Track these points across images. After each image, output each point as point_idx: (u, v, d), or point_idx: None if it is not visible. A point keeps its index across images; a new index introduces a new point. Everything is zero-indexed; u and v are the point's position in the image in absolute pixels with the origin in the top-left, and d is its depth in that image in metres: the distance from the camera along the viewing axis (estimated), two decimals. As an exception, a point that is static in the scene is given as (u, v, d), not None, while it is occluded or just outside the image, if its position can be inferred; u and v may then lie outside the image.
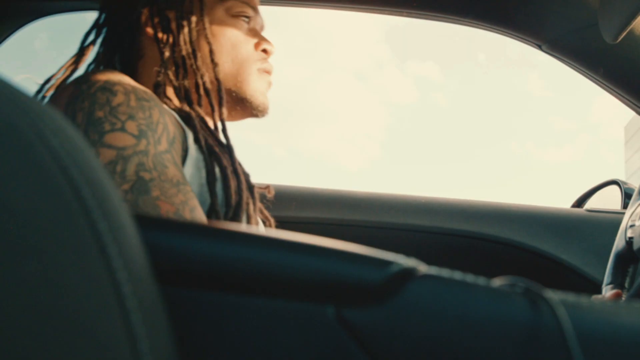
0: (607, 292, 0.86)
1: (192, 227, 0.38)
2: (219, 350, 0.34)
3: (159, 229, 0.37)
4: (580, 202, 1.52)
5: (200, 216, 0.61)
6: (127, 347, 0.27)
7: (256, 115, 0.83)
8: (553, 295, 0.36)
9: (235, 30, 0.80)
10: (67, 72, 0.77)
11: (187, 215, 0.59)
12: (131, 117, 0.61)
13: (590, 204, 1.49)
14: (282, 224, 1.25)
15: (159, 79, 0.73)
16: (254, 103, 0.81)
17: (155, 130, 0.62)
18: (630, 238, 0.84)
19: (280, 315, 0.34)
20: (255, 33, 0.83)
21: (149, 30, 0.76)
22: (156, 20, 0.76)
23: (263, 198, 0.94)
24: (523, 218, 1.28)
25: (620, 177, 1.43)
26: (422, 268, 0.37)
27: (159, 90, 0.73)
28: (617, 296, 0.82)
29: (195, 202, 0.62)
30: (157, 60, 0.75)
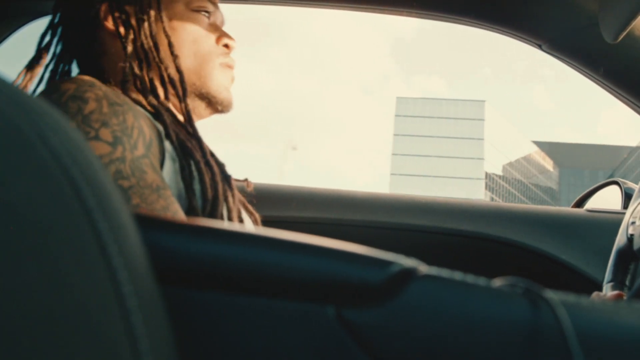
0: (608, 289, 0.86)
1: (192, 227, 0.38)
2: (219, 350, 0.34)
3: (159, 229, 0.37)
4: (580, 202, 1.52)
5: (182, 220, 0.61)
6: (127, 347, 0.27)
7: (221, 111, 0.83)
8: (553, 295, 0.36)
9: (195, 24, 0.80)
10: (27, 78, 0.76)
11: (169, 217, 0.58)
12: (104, 124, 0.60)
13: (591, 204, 1.49)
14: (282, 224, 1.24)
15: (125, 73, 0.73)
16: (218, 98, 0.80)
17: (130, 135, 0.62)
18: (632, 235, 0.84)
19: (280, 315, 0.34)
20: (216, 28, 0.83)
21: (109, 25, 0.76)
22: (116, 15, 0.75)
23: (251, 196, 0.94)
24: (523, 218, 1.28)
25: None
26: (422, 268, 0.37)
27: (127, 85, 0.72)
28: (619, 297, 0.82)
29: (176, 206, 0.62)
30: (120, 56, 0.74)
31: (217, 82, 0.80)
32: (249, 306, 0.35)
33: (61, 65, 0.79)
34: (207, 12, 0.81)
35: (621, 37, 0.88)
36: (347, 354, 0.34)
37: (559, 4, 1.00)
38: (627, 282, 0.85)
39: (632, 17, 0.82)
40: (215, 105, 0.81)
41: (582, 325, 0.35)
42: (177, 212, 0.61)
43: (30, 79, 0.77)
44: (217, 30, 0.82)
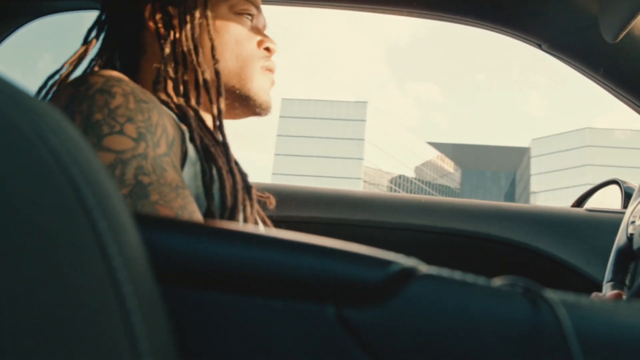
0: (608, 289, 0.86)
1: (192, 227, 0.38)
2: (218, 350, 0.34)
3: (159, 229, 0.37)
4: (580, 202, 1.52)
5: (199, 220, 0.61)
6: (127, 347, 0.27)
7: (259, 114, 0.83)
8: (553, 295, 0.36)
9: (238, 27, 0.80)
10: (71, 68, 0.77)
11: (186, 217, 0.59)
12: (130, 119, 0.61)
13: (590, 203, 1.49)
14: (282, 224, 1.25)
15: (158, 74, 0.73)
16: (258, 101, 0.81)
17: (154, 132, 0.62)
18: (631, 235, 0.84)
19: (280, 315, 0.34)
20: (258, 31, 0.83)
21: (152, 25, 0.76)
22: (159, 16, 0.76)
23: (263, 205, 0.94)
24: (523, 218, 1.28)
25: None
26: (422, 268, 0.37)
27: (158, 86, 0.72)
28: (618, 296, 0.82)
29: (194, 207, 0.62)
30: (159, 57, 0.75)
31: (258, 85, 0.80)
32: (249, 306, 0.35)
33: (104, 62, 0.79)
34: (250, 15, 0.82)
35: (621, 37, 0.88)
36: (346, 354, 0.34)
37: (559, 4, 1.00)
38: (626, 282, 0.85)
39: (632, 17, 0.82)
40: (254, 107, 0.81)
41: (582, 325, 0.35)
42: (195, 212, 0.61)
43: (73, 72, 0.77)
44: (259, 34, 0.83)
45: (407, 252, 0.40)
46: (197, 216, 0.61)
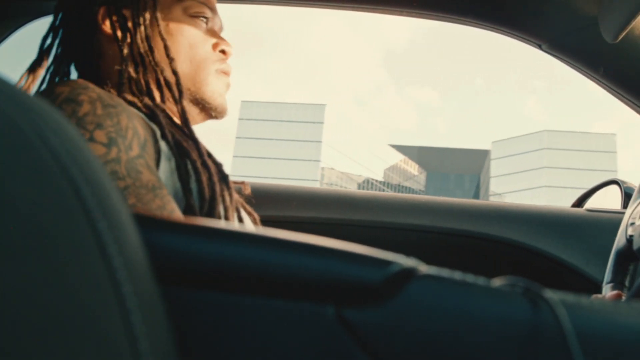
0: (608, 290, 0.86)
1: (192, 227, 0.38)
2: (218, 350, 0.34)
3: (159, 229, 0.37)
4: (580, 202, 1.52)
5: (179, 219, 0.61)
6: (127, 347, 0.27)
7: (215, 117, 0.83)
8: (553, 295, 0.36)
9: (192, 30, 0.80)
10: (29, 80, 0.77)
11: (165, 216, 0.59)
12: (99, 125, 0.61)
13: (590, 203, 1.49)
14: (282, 224, 1.24)
15: (121, 76, 0.73)
16: (213, 104, 0.81)
17: (125, 136, 0.62)
18: (631, 236, 0.84)
19: (280, 315, 0.34)
20: (213, 33, 0.83)
21: (106, 28, 0.76)
22: (114, 18, 0.76)
23: (249, 197, 0.94)
24: (523, 218, 1.28)
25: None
26: (422, 268, 0.37)
27: (123, 88, 0.73)
28: (618, 297, 0.82)
29: (173, 206, 0.62)
30: (117, 59, 0.75)
31: (212, 89, 0.80)
32: (249, 306, 0.35)
33: (61, 68, 0.79)
34: (205, 17, 0.81)
35: (621, 37, 0.88)
36: (346, 354, 0.34)
37: (559, 4, 1.00)
38: (626, 283, 0.85)
39: (632, 17, 0.82)
40: (209, 111, 0.82)
41: (581, 325, 0.35)
42: (174, 211, 0.61)
43: (33, 80, 0.77)
44: (215, 36, 0.83)
45: (407, 252, 0.40)
46: (177, 215, 0.62)
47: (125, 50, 0.74)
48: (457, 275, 0.36)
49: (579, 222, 1.27)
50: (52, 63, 0.79)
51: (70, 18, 0.79)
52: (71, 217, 0.27)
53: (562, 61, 1.10)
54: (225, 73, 0.83)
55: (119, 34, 0.75)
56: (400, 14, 1.14)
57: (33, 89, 0.77)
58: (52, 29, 0.79)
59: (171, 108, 0.77)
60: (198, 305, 0.35)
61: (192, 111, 0.81)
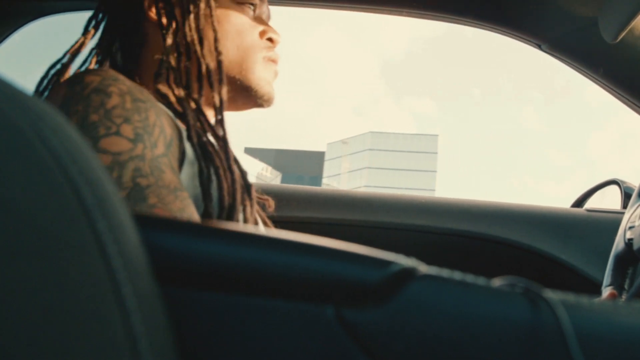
0: (606, 293, 0.85)
1: (192, 227, 0.38)
2: (218, 350, 0.34)
3: (159, 229, 0.37)
4: (580, 202, 1.52)
5: (184, 220, 0.60)
6: (127, 346, 0.27)
7: (261, 105, 0.81)
8: (553, 295, 0.36)
9: (240, 17, 0.79)
10: (70, 57, 0.76)
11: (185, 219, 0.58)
12: (127, 120, 0.60)
13: (590, 203, 1.49)
14: (282, 224, 1.24)
15: (160, 65, 0.71)
16: (259, 92, 0.79)
17: (151, 133, 0.61)
18: (630, 239, 0.84)
19: (280, 315, 0.34)
20: (261, 21, 0.82)
21: (152, 15, 0.75)
22: (160, 5, 0.74)
23: (263, 206, 0.93)
24: (523, 218, 1.28)
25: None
26: (422, 268, 0.37)
27: (160, 78, 0.71)
28: (613, 297, 0.82)
29: (192, 209, 0.60)
30: (160, 47, 0.73)
31: (259, 76, 0.79)
32: (249, 306, 0.35)
33: (104, 53, 0.78)
34: (252, 4, 0.80)
35: (621, 37, 0.88)
36: (346, 354, 0.34)
37: (559, 4, 1.00)
38: (625, 286, 0.85)
39: (632, 17, 0.82)
40: (255, 98, 0.80)
41: (581, 325, 0.35)
42: (193, 215, 0.60)
43: (70, 62, 0.76)
44: (262, 24, 0.81)
45: (407, 252, 0.40)
46: (196, 218, 0.60)
47: (169, 39, 0.72)
48: (457, 275, 0.36)
49: (578, 222, 1.27)
50: (95, 48, 0.78)
51: (116, 3, 0.78)
52: (71, 217, 0.27)
53: (562, 61, 1.10)
54: (273, 61, 0.82)
55: (164, 21, 0.73)
56: (400, 14, 1.14)
57: (71, 72, 0.76)
58: (99, 12, 0.78)
59: (209, 103, 0.75)
60: (198, 305, 0.35)
61: (238, 99, 0.79)
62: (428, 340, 0.34)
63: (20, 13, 1.14)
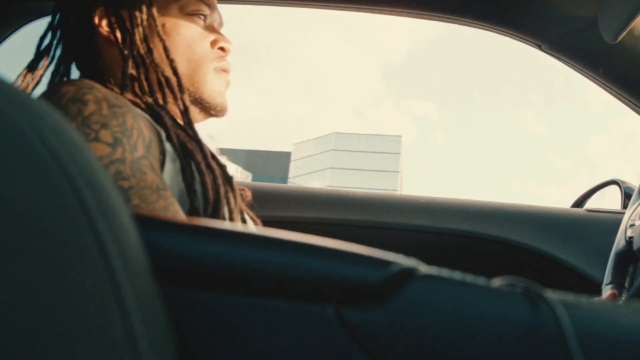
0: (607, 292, 0.85)
1: (192, 227, 0.38)
2: (218, 350, 0.34)
3: (159, 229, 0.37)
4: (580, 202, 1.52)
5: (182, 220, 0.61)
6: (127, 346, 0.27)
7: (215, 115, 0.82)
8: (553, 295, 0.36)
9: (190, 27, 0.79)
10: (27, 79, 0.76)
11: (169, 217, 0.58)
12: (104, 125, 0.60)
13: (590, 204, 1.49)
14: (282, 224, 1.24)
15: (123, 77, 0.72)
16: (212, 103, 0.80)
17: (130, 136, 0.62)
18: (630, 237, 0.84)
19: (280, 315, 0.34)
20: (212, 30, 0.82)
21: (104, 30, 0.76)
22: (112, 19, 0.75)
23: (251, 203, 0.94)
24: (523, 218, 1.28)
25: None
26: (422, 268, 0.37)
27: (125, 89, 0.72)
28: (614, 296, 0.82)
29: (176, 207, 0.62)
30: (116, 59, 0.75)
31: (211, 88, 0.79)
32: (249, 306, 0.35)
33: (61, 67, 0.79)
34: (202, 15, 0.80)
35: (621, 37, 0.88)
36: (346, 354, 0.34)
37: (559, 4, 1.00)
38: (625, 284, 0.85)
39: (632, 17, 0.82)
40: (208, 110, 0.81)
41: (581, 325, 0.35)
42: (177, 213, 0.61)
43: (32, 80, 0.77)
44: (213, 33, 0.81)
45: (407, 252, 0.40)
46: (180, 216, 0.62)
47: (126, 51, 0.73)
48: (457, 275, 0.36)
49: (578, 222, 1.27)
50: (52, 63, 0.78)
51: (67, 19, 0.79)
52: (71, 217, 0.27)
53: (561, 61, 1.10)
54: (225, 70, 0.82)
55: (117, 34, 0.75)
56: (400, 14, 1.14)
57: (32, 89, 0.77)
58: (51, 29, 0.79)
59: (173, 108, 0.76)
60: (198, 305, 0.35)
61: (193, 110, 0.80)
62: (428, 340, 0.34)
63: (20, 13, 1.14)
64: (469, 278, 0.36)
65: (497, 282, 0.37)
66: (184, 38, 0.78)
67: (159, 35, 0.75)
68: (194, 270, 0.35)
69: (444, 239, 1.26)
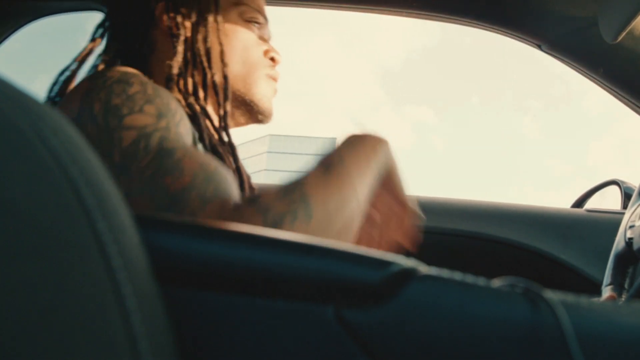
0: (607, 292, 0.86)
1: (192, 227, 0.38)
2: (218, 350, 0.34)
3: (159, 229, 0.37)
4: (580, 202, 1.52)
5: (224, 176, 0.59)
6: (127, 347, 0.27)
7: (261, 121, 0.84)
8: (553, 296, 0.36)
9: (247, 33, 0.82)
10: (79, 64, 0.78)
11: (212, 169, 0.57)
12: (149, 101, 0.61)
13: (590, 204, 1.49)
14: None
15: (171, 72, 0.74)
16: (261, 107, 0.82)
17: (174, 115, 0.62)
18: (630, 238, 0.84)
19: (280, 315, 0.34)
20: (264, 40, 0.85)
21: (164, 24, 0.78)
22: (171, 15, 0.77)
23: None
24: (523, 218, 1.28)
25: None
26: (422, 268, 0.37)
27: (170, 84, 0.73)
28: (612, 299, 0.82)
29: (217, 163, 0.60)
30: (168, 55, 0.76)
31: (261, 92, 0.81)
32: (249, 306, 0.35)
33: (111, 57, 0.80)
34: (258, 23, 0.83)
35: (621, 37, 0.88)
36: (346, 354, 0.34)
37: (559, 4, 1.00)
38: (625, 285, 0.85)
39: (632, 17, 0.82)
40: (256, 114, 0.82)
41: (581, 325, 0.35)
42: (218, 167, 0.60)
43: (79, 68, 0.78)
44: (265, 43, 0.84)
45: (407, 252, 0.40)
46: (220, 172, 0.60)
47: (180, 48, 0.75)
48: (457, 275, 0.36)
49: (578, 222, 1.27)
50: (103, 54, 0.79)
51: (126, 10, 0.80)
52: (71, 217, 0.27)
53: (561, 61, 1.10)
54: (274, 79, 0.84)
55: (174, 30, 0.76)
56: (400, 14, 1.14)
57: (79, 78, 0.78)
58: (106, 20, 0.80)
59: (213, 112, 0.78)
60: (198, 305, 0.35)
61: (237, 113, 0.82)
62: (428, 341, 0.34)
63: (20, 13, 1.14)
64: (469, 278, 0.36)
65: (497, 282, 0.37)
66: (242, 41, 0.81)
67: (219, 39, 0.78)
68: (194, 270, 0.35)
69: (444, 239, 1.26)
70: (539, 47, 1.10)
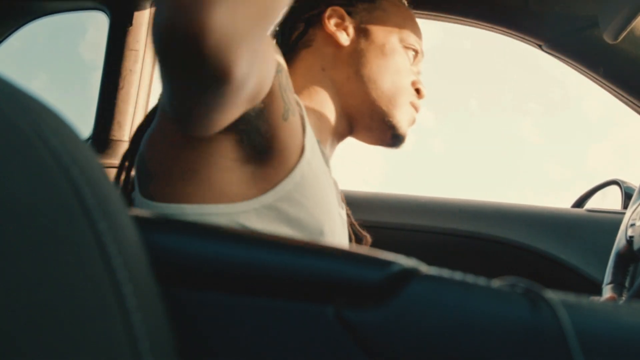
0: (607, 291, 0.86)
1: (192, 227, 0.38)
2: (218, 350, 0.34)
3: (159, 229, 0.37)
4: (580, 202, 1.52)
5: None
6: (127, 347, 0.27)
7: (391, 145, 0.85)
8: (553, 296, 0.36)
9: (404, 58, 0.83)
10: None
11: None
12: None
13: (591, 204, 1.49)
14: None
15: (323, 72, 0.77)
16: (398, 131, 0.83)
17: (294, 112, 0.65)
18: (631, 237, 0.84)
19: (280, 315, 0.34)
20: (415, 72, 0.86)
21: (328, 27, 0.80)
22: (337, 21, 0.80)
23: None
24: (523, 218, 1.28)
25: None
26: (422, 268, 0.37)
27: (314, 80, 0.78)
28: (613, 299, 0.82)
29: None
30: (321, 55, 0.79)
31: (403, 116, 0.83)
32: (249, 306, 0.35)
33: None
34: (415, 52, 0.85)
35: (621, 37, 0.88)
36: (346, 354, 0.34)
37: (559, 4, 1.00)
38: (626, 284, 0.85)
39: (632, 17, 0.82)
40: (391, 135, 0.84)
41: (582, 325, 0.35)
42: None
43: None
44: (415, 74, 0.86)
45: (407, 253, 0.40)
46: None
47: (338, 54, 0.78)
48: (458, 275, 0.36)
49: (579, 222, 1.27)
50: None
51: (293, 7, 0.83)
52: (71, 217, 0.27)
53: (562, 61, 1.10)
54: (416, 108, 0.85)
55: (342, 37, 0.79)
56: (401, 14, 1.14)
57: None
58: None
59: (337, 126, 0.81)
60: (198, 305, 0.35)
61: (373, 131, 0.83)
62: (428, 340, 0.34)
63: (20, 13, 1.14)
64: (470, 278, 0.36)
65: (497, 282, 0.37)
66: (397, 64, 0.82)
67: (377, 58, 0.80)
68: (194, 270, 0.35)
69: (444, 239, 1.26)
70: (540, 46, 1.10)
